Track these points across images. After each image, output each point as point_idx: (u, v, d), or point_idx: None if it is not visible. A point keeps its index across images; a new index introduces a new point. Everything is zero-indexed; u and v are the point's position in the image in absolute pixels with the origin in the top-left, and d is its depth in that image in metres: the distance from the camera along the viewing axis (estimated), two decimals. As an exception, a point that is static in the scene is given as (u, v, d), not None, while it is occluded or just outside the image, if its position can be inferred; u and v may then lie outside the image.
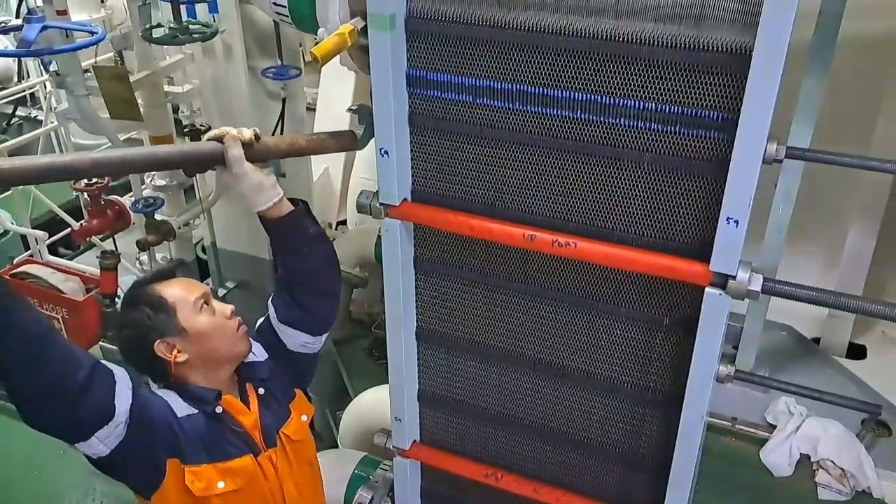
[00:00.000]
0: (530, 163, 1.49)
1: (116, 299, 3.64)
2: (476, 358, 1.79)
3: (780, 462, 3.04)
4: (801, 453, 3.05)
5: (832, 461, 2.98)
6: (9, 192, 4.51)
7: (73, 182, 3.67)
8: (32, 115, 6.62)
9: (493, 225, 1.52)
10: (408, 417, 1.91)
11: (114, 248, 3.57)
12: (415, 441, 1.97)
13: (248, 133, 1.70)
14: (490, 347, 1.75)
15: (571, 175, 1.47)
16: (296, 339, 1.97)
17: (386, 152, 1.55)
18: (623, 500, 1.77)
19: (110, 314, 3.57)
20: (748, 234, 1.32)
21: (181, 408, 1.77)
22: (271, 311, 1.99)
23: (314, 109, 4.90)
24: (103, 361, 1.67)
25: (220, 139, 1.69)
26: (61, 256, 4.89)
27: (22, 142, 4.66)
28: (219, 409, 1.82)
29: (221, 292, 4.54)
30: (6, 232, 4.72)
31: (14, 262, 4.07)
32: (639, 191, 1.41)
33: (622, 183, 1.42)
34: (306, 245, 1.87)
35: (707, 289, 1.38)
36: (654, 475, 1.70)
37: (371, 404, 2.75)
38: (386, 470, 2.35)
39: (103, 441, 1.63)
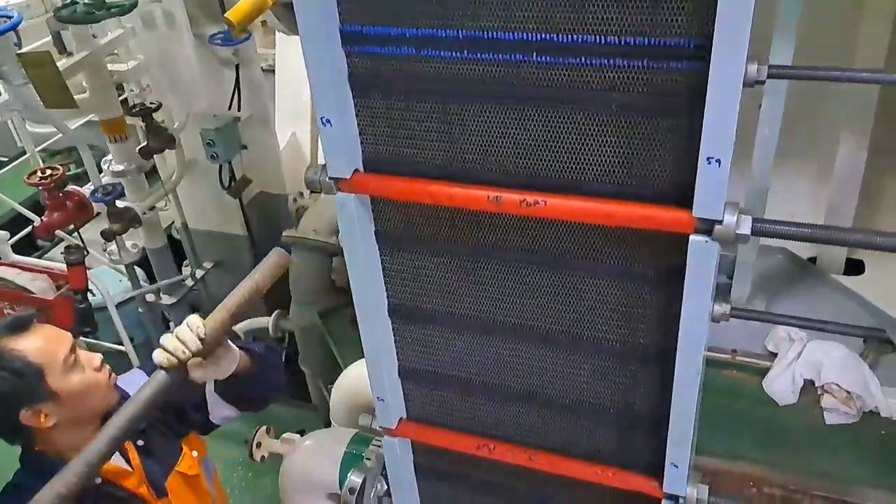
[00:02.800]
0: (487, 116, 1.35)
1: (89, 294, 3.53)
2: (454, 330, 1.67)
3: (784, 390, 2.98)
4: (804, 379, 2.98)
5: (837, 384, 2.91)
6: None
7: (28, 177, 3.51)
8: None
9: (454, 189, 1.39)
10: (390, 396, 1.81)
11: (78, 243, 3.44)
12: (401, 418, 1.87)
13: (194, 345, 1.62)
14: (467, 318, 1.64)
15: (533, 126, 1.32)
16: (224, 414, 1.91)
17: (328, 120, 1.40)
18: (622, 460, 1.68)
19: (84, 310, 3.45)
20: (734, 170, 1.19)
21: None
22: (210, 385, 1.89)
23: (273, 71, 4.70)
24: None
25: (175, 365, 1.61)
26: (39, 257, 4.76)
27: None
28: (98, 481, 1.70)
29: (199, 273, 4.43)
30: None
31: (-22, 265, 3.93)
32: (608, 137, 1.28)
33: (590, 130, 1.28)
34: (261, 380, 1.85)
35: (691, 237, 1.26)
36: (652, 433, 1.61)
37: (357, 380, 2.65)
38: (378, 446, 2.25)
39: None
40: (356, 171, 1.47)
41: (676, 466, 1.56)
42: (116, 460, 1.77)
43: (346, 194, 1.48)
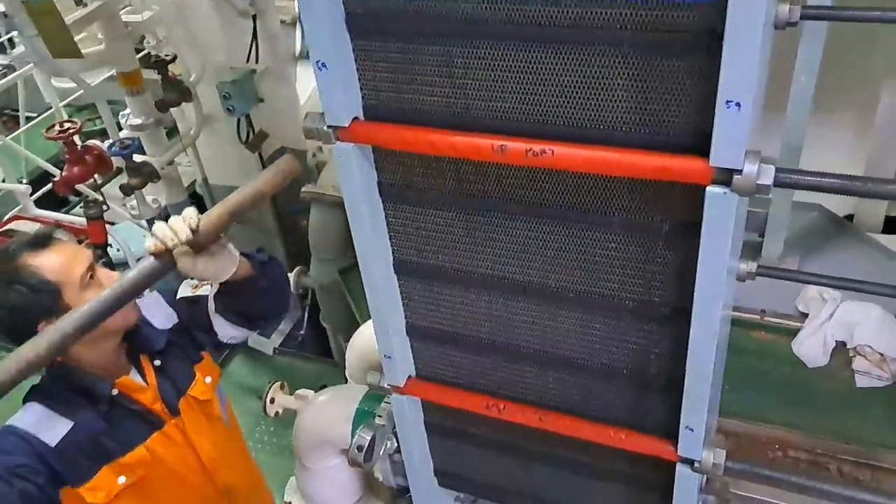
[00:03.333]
0: (492, 59, 1.26)
1: (110, 248, 3.54)
2: (461, 287, 1.61)
3: (815, 352, 2.87)
4: (836, 341, 2.87)
5: (870, 346, 2.79)
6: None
7: (46, 130, 3.50)
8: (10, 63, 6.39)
9: (457, 138, 1.31)
10: (398, 354, 1.76)
11: (97, 197, 3.43)
12: (410, 376, 1.83)
13: (184, 234, 1.56)
14: (475, 275, 1.57)
15: (540, 69, 1.23)
16: (230, 333, 1.89)
17: (324, 65, 1.32)
18: (635, 423, 1.62)
19: (103, 265, 3.45)
20: (766, 121, 1.10)
21: (53, 432, 1.64)
22: (212, 304, 1.86)
23: (294, 24, 4.60)
24: None
25: (162, 252, 1.56)
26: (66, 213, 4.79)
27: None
28: (115, 392, 1.70)
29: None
30: (-5, 191, 4.60)
31: (2, 220, 3.96)
32: (620, 80, 1.18)
33: (599, 72, 1.19)
34: (261, 294, 1.81)
35: (708, 188, 1.17)
36: (667, 396, 1.54)
37: (371, 337, 2.61)
38: (389, 403, 2.22)
39: None
40: (355, 119, 1.39)
41: (692, 430, 1.49)
42: (133, 376, 1.80)
43: (344, 144, 1.41)
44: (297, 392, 2.49)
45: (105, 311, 1.51)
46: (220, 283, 1.76)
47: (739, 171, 1.13)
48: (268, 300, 1.84)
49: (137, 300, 1.88)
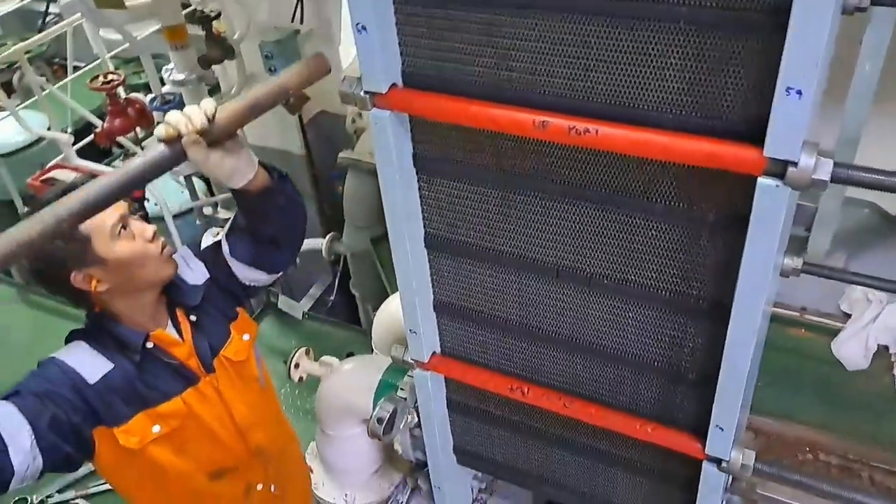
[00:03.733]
0: (540, 30, 1.20)
1: (147, 202, 3.56)
2: (493, 266, 1.57)
3: (855, 354, 2.78)
4: (878, 345, 2.77)
5: (914, 352, 2.69)
6: (34, 98, 4.39)
7: (91, 81, 3.51)
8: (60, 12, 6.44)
9: (497, 111, 1.25)
10: (423, 329, 1.73)
11: (137, 150, 3.44)
12: (434, 353, 1.80)
13: (199, 120, 1.46)
14: (507, 254, 1.52)
15: (590, 43, 1.17)
16: (248, 275, 1.84)
17: (363, 27, 1.27)
18: (664, 416, 1.57)
19: (140, 218, 3.48)
20: (825, 111, 1.03)
21: (94, 370, 1.64)
22: (225, 247, 1.82)
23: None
24: None
25: (174, 138, 1.46)
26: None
27: (46, 37, 4.51)
28: (150, 345, 1.70)
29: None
30: (41, 139, 4.66)
31: (44, 167, 4.01)
32: (673, 58, 1.11)
33: (652, 49, 1.12)
34: (277, 212, 1.73)
35: (760, 179, 1.10)
36: (699, 391, 1.49)
37: (399, 309, 2.59)
38: (413, 377, 2.20)
39: (24, 481, 1.53)
40: (393, 85, 1.35)
41: (722, 429, 1.44)
42: (170, 330, 1.79)
43: (381, 111, 1.36)
44: (322, 359, 2.49)
45: (106, 198, 1.42)
46: (236, 198, 1.70)
47: (795, 164, 1.06)
48: (282, 219, 1.76)
49: (184, 255, 1.87)
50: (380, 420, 1.92)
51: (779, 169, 1.07)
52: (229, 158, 1.54)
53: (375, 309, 4.04)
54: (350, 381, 2.38)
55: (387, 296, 3.66)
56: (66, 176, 3.62)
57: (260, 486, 1.98)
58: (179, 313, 1.80)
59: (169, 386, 1.75)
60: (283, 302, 4.36)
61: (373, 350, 2.98)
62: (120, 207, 1.67)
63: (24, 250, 1.35)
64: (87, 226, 1.59)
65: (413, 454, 2.15)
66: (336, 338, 4.44)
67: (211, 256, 1.86)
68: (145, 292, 1.73)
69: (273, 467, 2.00)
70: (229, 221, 1.86)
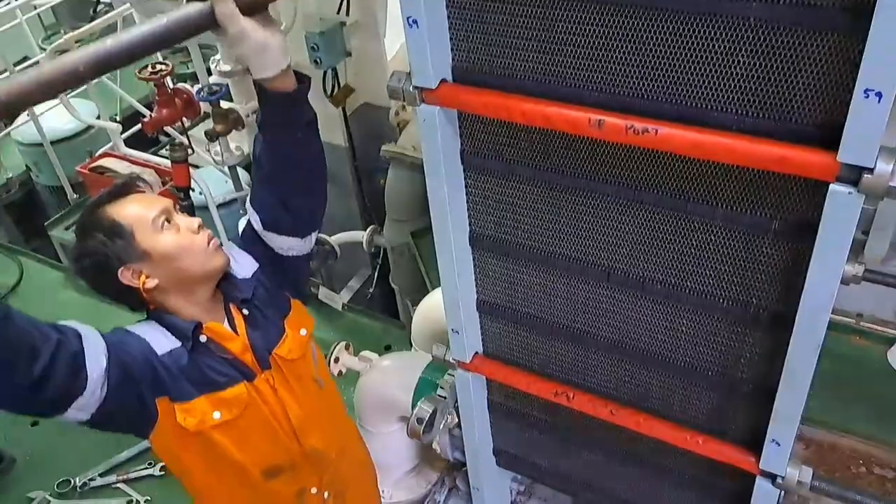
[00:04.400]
0: (598, 25, 1.15)
1: (191, 192, 3.59)
2: (540, 267, 1.52)
3: (913, 364, 2.67)
4: (939, 354, 2.66)
5: (977, 365, 2.57)
6: (84, 88, 4.46)
7: (139, 70, 3.54)
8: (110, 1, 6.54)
9: (550, 108, 1.21)
10: (466, 329, 1.69)
11: (183, 140, 3.47)
12: (476, 353, 1.76)
13: None
14: (556, 256, 1.48)
15: (652, 39, 1.11)
16: (283, 244, 1.78)
17: (415, 21, 1.24)
18: (715, 428, 1.51)
19: (186, 207, 3.52)
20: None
21: (162, 344, 1.62)
22: (253, 217, 1.78)
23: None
24: (70, 324, 1.51)
25: None
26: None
27: (99, 25, 4.58)
28: (203, 339, 1.66)
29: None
30: (90, 127, 4.73)
31: (93, 155, 4.07)
32: (742, 57, 1.06)
33: (720, 46, 1.06)
34: (301, 130, 1.64)
35: (832, 186, 1.04)
36: (754, 403, 1.43)
37: (439, 305, 2.56)
38: (454, 376, 2.17)
39: (82, 409, 1.49)
40: (443, 80, 1.31)
41: (778, 444, 1.38)
42: (225, 326, 1.75)
43: (429, 106, 1.33)
44: (362, 353, 2.47)
45: (128, 52, 1.32)
46: (262, 103, 1.62)
47: (870, 170, 1.00)
48: (306, 148, 1.69)
49: (230, 248, 1.83)
50: (420, 420, 1.89)
51: (853, 175, 1.01)
52: (261, 31, 1.44)
53: (414, 303, 4.01)
54: (389, 377, 2.36)
55: (426, 290, 3.63)
56: (114, 164, 3.66)
57: (314, 490, 1.91)
58: (233, 308, 1.76)
59: (227, 378, 1.71)
60: (324, 293, 4.36)
61: (411, 345, 2.96)
62: (163, 201, 1.66)
63: (42, 90, 1.27)
64: (129, 219, 1.58)
65: (452, 454, 2.12)
66: (374, 330, 4.43)
67: (249, 235, 1.83)
68: (198, 287, 1.69)
69: (330, 473, 1.92)
70: (250, 190, 1.81)
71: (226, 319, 1.74)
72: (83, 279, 1.66)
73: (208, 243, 1.66)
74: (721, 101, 1.11)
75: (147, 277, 1.60)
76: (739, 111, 1.10)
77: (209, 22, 1.38)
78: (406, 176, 3.85)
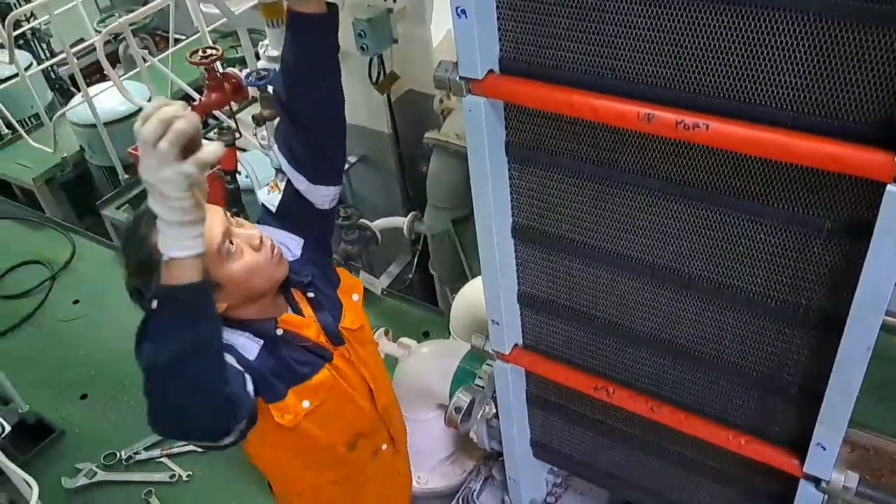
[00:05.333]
0: (650, 16, 1.12)
1: (238, 175, 3.64)
2: (583, 260, 1.51)
3: (966, 369, 2.57)
4: None
5: None
6: (137, 70, 4.55)
7: (190, 55, 3.60)
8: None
9: (599, 101, 1.19)
10: (506, 321, 1.69)
11: (232, 124, 3.52)
12: (516, 345, 1.76)
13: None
14: (600, 249, 1.46)
15: (705, 31, 1.09)
16: (326, 194, 1.79)
17: (463, 11, 1.23)
18: (757, 429, 1.48)
19: (232, 191, 3.58)
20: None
21: (250, 349, 1.62)
22: (295, 178, 1.76)
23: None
24: (234, 365, 1.55)
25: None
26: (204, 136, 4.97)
27: (150, 10, 4.66)
28: (279, 332, 1.67)
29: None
30: (141, 109, 4.81)
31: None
32: (798, 51, 1.02)
33: (776, 41, 1.03)
34: (332, 57, 1.66)
35: (889, 186, 1.00)
36: (800, 405, 1.40)
37: (479, 294, 2.55)
38: (492, 366, 2.17)
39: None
40: (490, 71, 1.30)
41: (824, 448, 1.35)
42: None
43: (475, 97, 1.32)
44: (401, 340, 2.49)
45: None
46: (293, 32, 1.63)
47: (932, 171, 0.96)
48: (334, 77, 1.71)
49: (272, 236, 1.84)
50: (458, 409, 1.90)
51: (912, 176, 0.98)
52: None
53: (453, 290, 4.02)
54: (427, 365, 2.37)
55: (466, 278, 3.64)
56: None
57: (385, 447, 2.01)
58: (295, 294, 1.76)
59: (310, 366, 1.73)
60: (364, 278, 4.40)
61: (449, 332, 2.97)
62: (221, 223, 1.58)
63: None
64: None
65: (489, 444, 2.12)
66: (412, 316, 4.45)
67: (289, 201, 1.81)
68: (266, 296, 1.69)
69: (393, 426, 2.03)
70: (282, 154, 1.79)
71: (289, 308, 1.75)
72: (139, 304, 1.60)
73: (272, 255, 1.64)
74: (775, 97, 1.08)
75: (218, 304, 1.53)
76: (794, 107, 1.07)
77: None
78: (449, 164, 3.85)
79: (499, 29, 1.27)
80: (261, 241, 1.63)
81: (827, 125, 1.05)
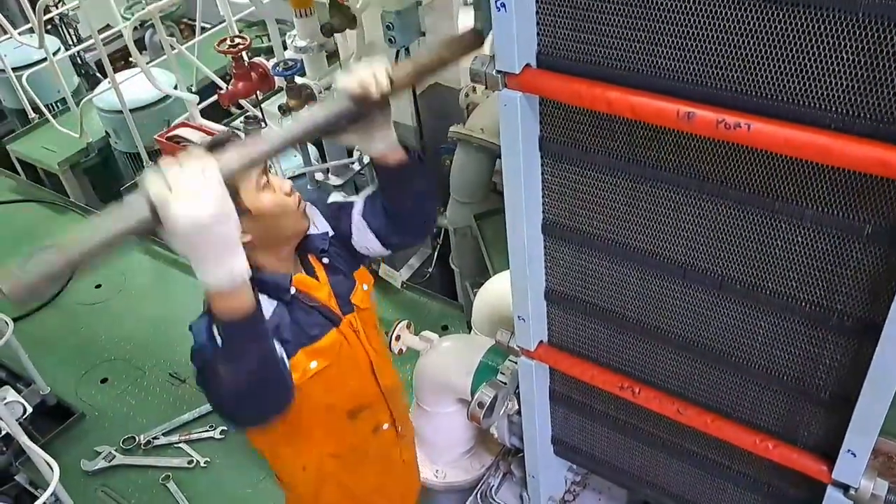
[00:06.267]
0: (690, 13, 1.11)
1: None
2: (614, 259, 1.50)
3: None
4: None
5: None
6: (165, 58, 4.57)
7: (218, 44, 3.61)
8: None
9: (638, 98, 1.18)
10: (533, 317, 1.68)
11: (258, 114, 3.53)
12: (541, 342, 1.75)
13: (385, 85, 1.50)
14: (631, 248, 1.45)
15: (750, 31, 1.07)
16: (365, 241, 1.87)
17: (503, 5, 1.22)
18: (787, 433, 1.47)
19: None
20: None
21: (266, 309, 1.66)
22: (358, 205, 1.85)
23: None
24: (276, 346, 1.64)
25: (359, 97, 1.50)
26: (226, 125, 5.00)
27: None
28: (293, 290, 1.74)
29: (367, 159, 4.45)
30: (167, 96, 4.86)
31: (170, 124, 4.18)
32: (846, 52, 1.01)
33: (823, 40, 1.02)
34: (413, 191, 1.77)
35: (937, 192, 0.99)
36: (831, 411, 1.38)
37: (502, 290, 2.54)
38: (515, 363, 2.16)
39: None
40: (527, 65, 1.29)
41: (854, 455, 1.33)
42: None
43: (511, 92, 1.31)
44: (423, 333, 2.48)
45: (290, 142, 1.49)
46: (377, 169, 1.75)
47: (982, 177, 0.94)
48: (418, 201, 1.82)
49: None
50: (481, 404, 1.90)
51: (961, 182, 0.96)
52: (384, 116, 1.61)
53: (474, 285, 4.02)
54: (449, 359, 2.37)
55: (487, 273, 3.62)
56: (190, 133, 3.75)
57: (386, 426, 2.07)
58: (312, 258, 1.84)
59: (316, 326, 1.80)
60: (384, 270, 4.41)
61: (469, 327, 2.97)
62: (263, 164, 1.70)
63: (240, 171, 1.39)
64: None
65: (509, 440, 2.12)
66: (432, 310, 4.46)
67: (335, 212, 1.91)
68: (285, 245, 1.77)
69: (397, 409, 2.10)
70: (369, 189, 1.92)
71: (304, 270, 1.81)
72: None
73: (298, 205, 1.73)
74: (819, 98, 1.06)
75: (243, 233, 1.60)
76: (839, 109, 1.05)
77: (361, 116, 1.54)
78: (473, 158, 3.84)
79: (537, 23, 1.26)
80: (291, 189, 1.73)
81: (872, 129, 1.03)
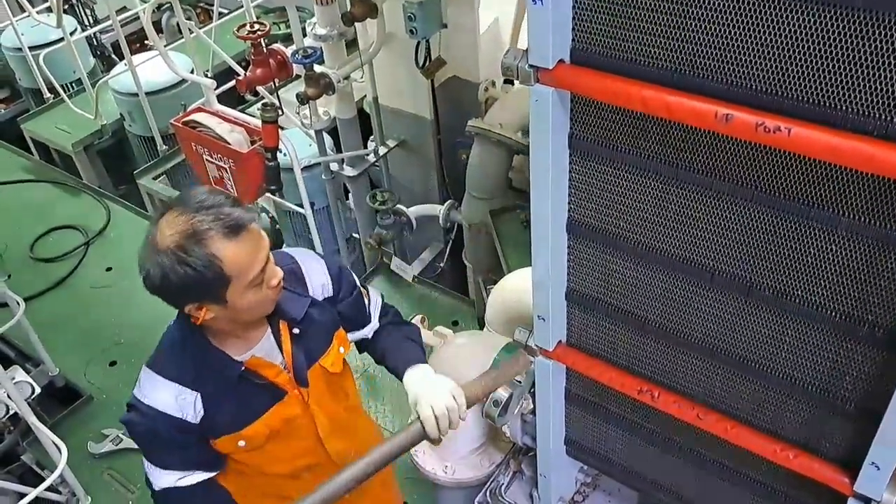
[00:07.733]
0: (730, 11, 1.08)
1: (278, 153, 3.63)
2: (639, 261, 1.47)
3: None
4: None
5: None
6: (181, 41, 4.55)
7: (237, 29, 3.59)
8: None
9: (674, 98, 1.15)
10: (553, 317, 1.66)
11: (275, 101, 3.51)
12: (560, 342, 1.73)
13: (457, 424, 1.78)
14: (658, 250, 1.43)
15: (790, 29, 1.05)
16: (349, 332, 1.99)
17: (539, -2, 1.19)
18: (810, 444, 1.45)
19: (272, 168, 3.58)
20: None
21: (186, 409, 1.73)
22: (372, 322, 2.02)
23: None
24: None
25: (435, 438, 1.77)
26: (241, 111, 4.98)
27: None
28: (241, 369, 1.75)
29: (382, 150, 4.44)
30: (184, 81, 4.84)
31: (186, 109, 4.17)
32: (891, 52, 0.98)
33: (866, 41, 0.99)
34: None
35: (983, 204, 0.96)
36: (855, 423, 1.36)
37: (519, 288, 2.53)
38: (533, 362, 2.15)
39: None
40: (560, 61, 1.27)
41: (878, 468, 1.31)
42: (267, 340, 1.81)
43: (543, 87, 1.29)
44: (437, 329, 2.47)
45: (367, 475, 1.67)
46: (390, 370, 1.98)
47: None
48: None
49: (290, 249, 1.91)
50: (496, 403, 1.88)
51: None
52: None
53: (487, 281, 4.00)
54: (463, 355, 2.35)
55: (501, 270, 3.61)
56: (206, 119, 3.73)
57: None
58: (283, 325, 1.80)
59: (255, 404, 1.80)
60: (396, 264, 4.39)
61: (479, 322, 2.95)
62: (265, 249, 1.64)
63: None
64: (232, 270, 1.56)
65: (522, 439, 2.11)
66: (442, 304, 4.44)
67: (354, 296, 1.96)
68: (247, 324, 1.77)
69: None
70: (392, 329, 2.06)
71: (269, 333, 1.78)
72: (153, 282, 1.60)
73: (276, 296, 1.72)
74: (861, 104, 1.04)
75: (207, 312, 1.63)
76: (883, 116, 1.03)
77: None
78: (491, 153, 3.81)
79: (573, 18, 1.24)
80: (279, 283, 1.70)
81: (917, 136, 1.01)
